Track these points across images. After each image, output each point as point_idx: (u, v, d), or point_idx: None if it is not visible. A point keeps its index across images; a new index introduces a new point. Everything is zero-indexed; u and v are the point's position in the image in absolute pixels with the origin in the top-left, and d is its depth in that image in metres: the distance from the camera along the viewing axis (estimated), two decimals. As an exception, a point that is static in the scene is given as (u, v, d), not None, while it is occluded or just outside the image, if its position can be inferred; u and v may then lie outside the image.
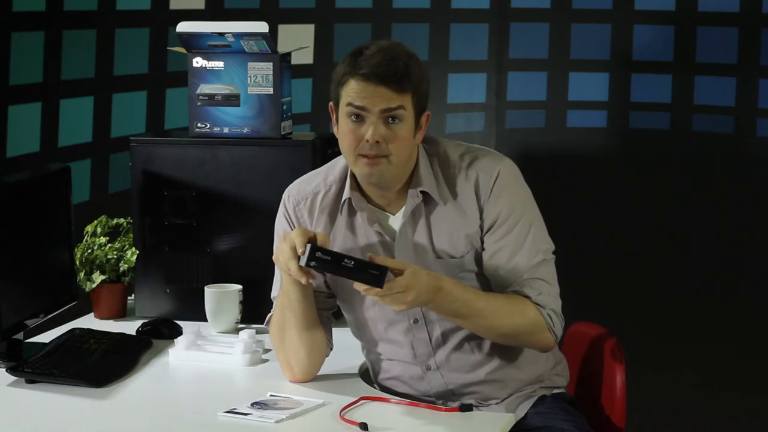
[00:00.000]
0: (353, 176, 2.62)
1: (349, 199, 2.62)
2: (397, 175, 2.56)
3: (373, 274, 2.40)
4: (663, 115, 5.06)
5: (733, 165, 4.97)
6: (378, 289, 2.39)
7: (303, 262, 2.43)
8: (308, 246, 2.43)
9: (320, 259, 2.42)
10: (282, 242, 2.49)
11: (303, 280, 2.48)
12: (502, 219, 2.57)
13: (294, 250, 2.45)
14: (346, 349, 2.79)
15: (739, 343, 4.87)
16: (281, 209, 2.71)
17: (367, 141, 2.49)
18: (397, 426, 2.41)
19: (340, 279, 2.60)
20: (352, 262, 2.40)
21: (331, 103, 2.58)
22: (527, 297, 2.56)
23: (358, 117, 2.50)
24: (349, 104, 2.51)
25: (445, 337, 2.62)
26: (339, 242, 2.63)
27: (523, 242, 2.57)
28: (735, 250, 4.97)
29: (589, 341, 2.84)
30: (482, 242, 2.59)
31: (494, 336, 2.58)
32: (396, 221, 2.61)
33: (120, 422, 2.50)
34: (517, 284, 2.57)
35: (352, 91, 2.50)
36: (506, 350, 2.63)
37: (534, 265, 2.57)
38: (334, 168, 2.69)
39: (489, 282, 2.60)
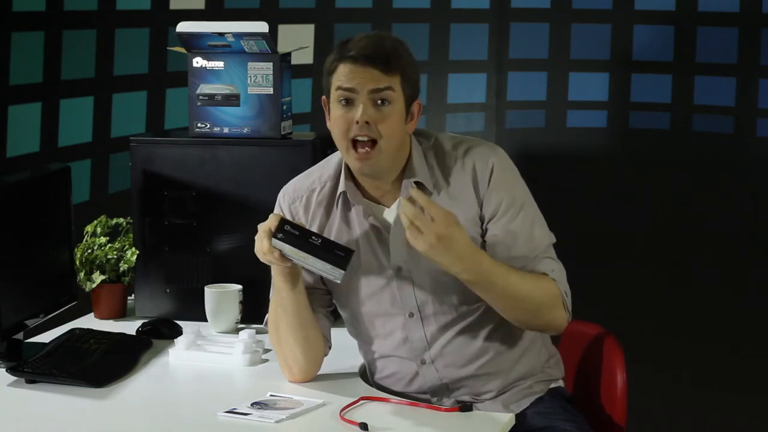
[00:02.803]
0: (348, 168, 2.63)
1: (345, 192, 2.63)
2: (389, 165, 2.57)
3: (338, 255, 2.46)
4: (663, 115, 5.06)
5: (733, 165, 4.97)
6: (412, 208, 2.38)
7: (273, 237, 2.48)
8: (280, 221, 2.49)
9: (288, 232, 2.47)
10: (259, 229, 2.53)
11: (275, 255, 2.50)
12: (507, 205, 2.58)
13: (268, 231, 2.49)
14: (345, 349, 2.79)
15: (740, 343, 4.87)
16: (276, 209, 2.73)
17: (357, 122, 2.51)
18: (397, 426, 2.41)
19: None
20: (319, 240, 2.46)
21: (323, 97, 2.60)
22: (544, 274, 2.57)
23: (348, 101, 2.52)
24: (339, 88, 2.53)
25: (440, 331, 2.63)
26: (334, 236, 2.64)
27: (532, 224, 2.59)
28: (735, 249, 4.96)
29: (588, 341, 2.84)
30: (484, 231, 2.59)
31: (516, 311, 2.55)
32: (391, 213, 2.62)
33: (120, 422, 2.50)
34: (530, 264, 2.57)
35: (341, 75, 2.53)
36: (501, 342, 2.64)
37: (546, 246, 2.60)
38: (328, 164, 2.71)
39: None
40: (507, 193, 2.59)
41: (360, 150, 2.53)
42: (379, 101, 2.52)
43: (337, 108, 2.55)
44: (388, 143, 2.53)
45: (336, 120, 2.55)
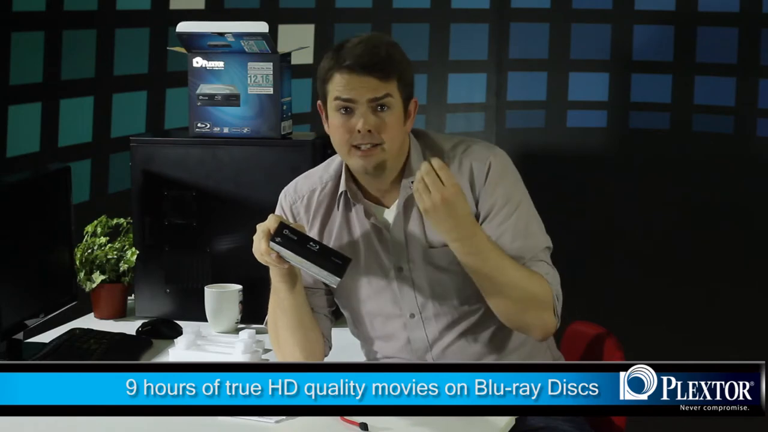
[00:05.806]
0: (348, 170, 2.63)
1: (345, 192, 2.63)
2: (392, 163, 2.57)
3: (335, 262, 2.46)
4: (663, 115, 5.06)
5: (733, 165, 4.97)
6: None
7: (271, 240, 2.48)
8: (279, 225, 2.48)
9: (286, 236, 2.47)
10: (258, 229, 2.52)
11: (272, 256, 2.49)
12: (500, 206, 2.58)
13: (267, 232, 2.48)
14: (346, 349, 2.79)
15: (741, 343, 4.87)
16: (278, 209, 2.73)
17: (359, 131, 2.51)
18: (397, 426, 2.41)
19: None
20: (317, 247, 2.46)
21: (319, 102, 2.60)
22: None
23: (347, 110, 2.52)
24: (337, 98, 2.52)
25: (442, 332, 2.63)
26: (335, 236, 2.64)
27: (528, 225, 2.58)
28: (735, 250, 4.96)
29: (588, 341, 2.84)
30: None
31: (505, 300, 2.53)
32: (390, 214, 2.63)
33: (120, 422, 2.50)
34: (526, 265, 2.56)
35: (338, 85, 2.52)
36: (502, 345, 2.64)
37: (541, 249, 2.59)
38: (329, 166, 2.71)
39: None
40: (503, 192, 2.59)
41: (362, 150, 2.53)
42: (379, 107, 2.52)
43: (336, 116, 2.55)
44: (390, 145, 2.54)
45: (336, 128, 2.55)
